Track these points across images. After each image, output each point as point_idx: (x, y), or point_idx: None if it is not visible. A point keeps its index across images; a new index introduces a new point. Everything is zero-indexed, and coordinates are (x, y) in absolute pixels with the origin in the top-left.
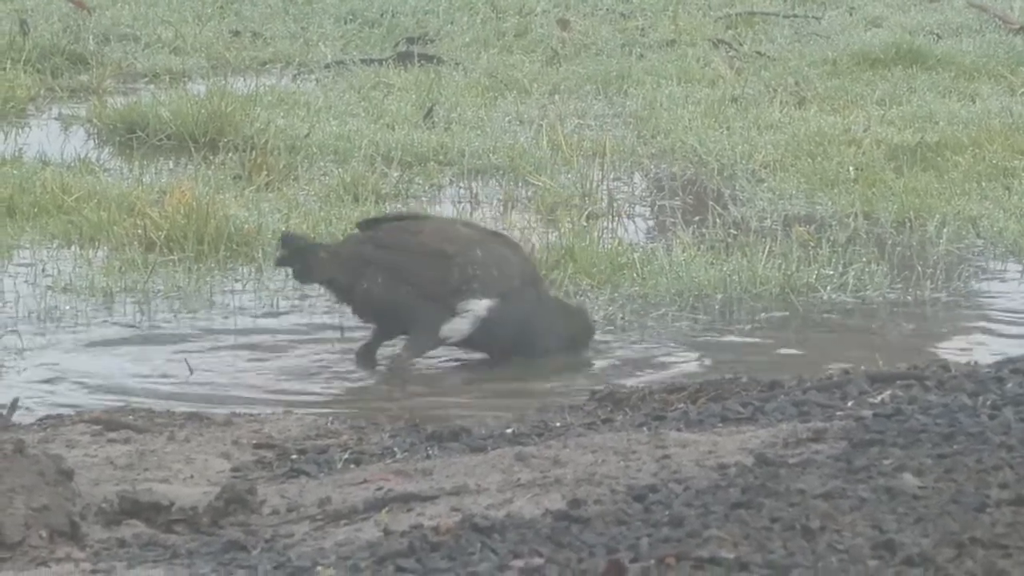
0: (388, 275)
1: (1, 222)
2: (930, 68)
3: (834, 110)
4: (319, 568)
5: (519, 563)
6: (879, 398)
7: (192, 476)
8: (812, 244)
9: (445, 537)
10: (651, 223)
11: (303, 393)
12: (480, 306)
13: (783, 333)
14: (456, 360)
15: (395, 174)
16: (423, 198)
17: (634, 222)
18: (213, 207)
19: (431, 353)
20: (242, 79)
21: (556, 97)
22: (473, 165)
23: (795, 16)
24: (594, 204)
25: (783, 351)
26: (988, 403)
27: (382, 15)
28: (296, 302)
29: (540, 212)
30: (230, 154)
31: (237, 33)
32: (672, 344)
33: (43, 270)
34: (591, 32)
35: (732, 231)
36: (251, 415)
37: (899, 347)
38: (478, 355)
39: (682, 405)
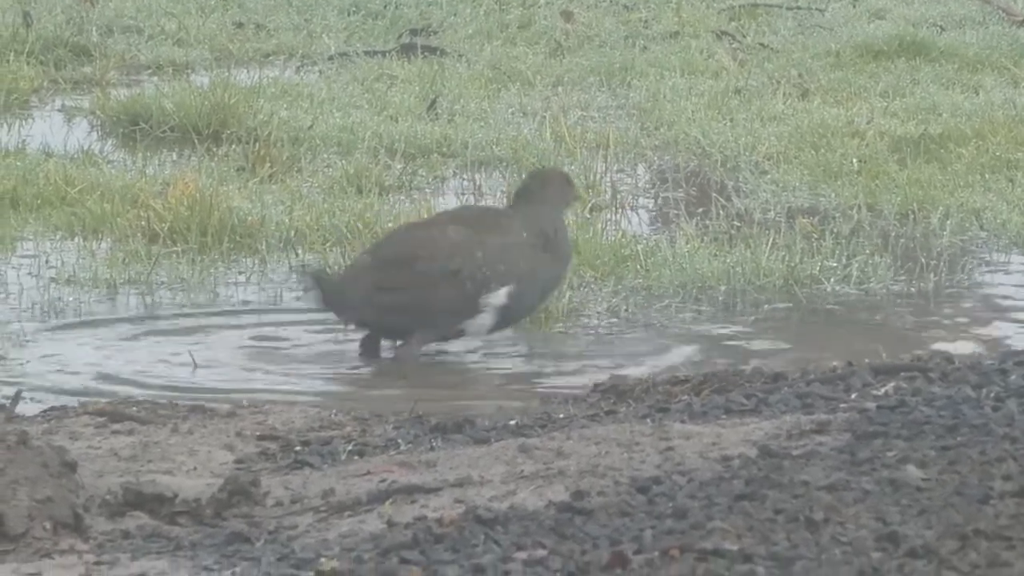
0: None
1: (4, 214)
2: (933, 60)
3: (837, 102)
4: (323, 560)
5: (522, 555)
6: (883, 390)
7: (196, 468)
8: (816, 236)
9: (449, 529)
10: (655, 215)
11: (307, 385)
12: (498, 298)
13: (787, 325)
14: (459, 352)
15: (399, 166)
16: (427, 190)
17: (638, 214)
18: (217, 199)
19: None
20: (245, 71)
21: (559, 89)
22: (476, 157)
23: (798, 8)
24: (598, 196)
25: (787, 343)
26: (992, 395)
27: (385, 7)
28: (299, 293)
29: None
30: (233, 146)
31: (240, 25)
32: (676, 336)
33: (46, 262)
34: (594, 24)
35: (736, 223)
36: (255, 407)
37: (903, 339)
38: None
39: (686, 397)
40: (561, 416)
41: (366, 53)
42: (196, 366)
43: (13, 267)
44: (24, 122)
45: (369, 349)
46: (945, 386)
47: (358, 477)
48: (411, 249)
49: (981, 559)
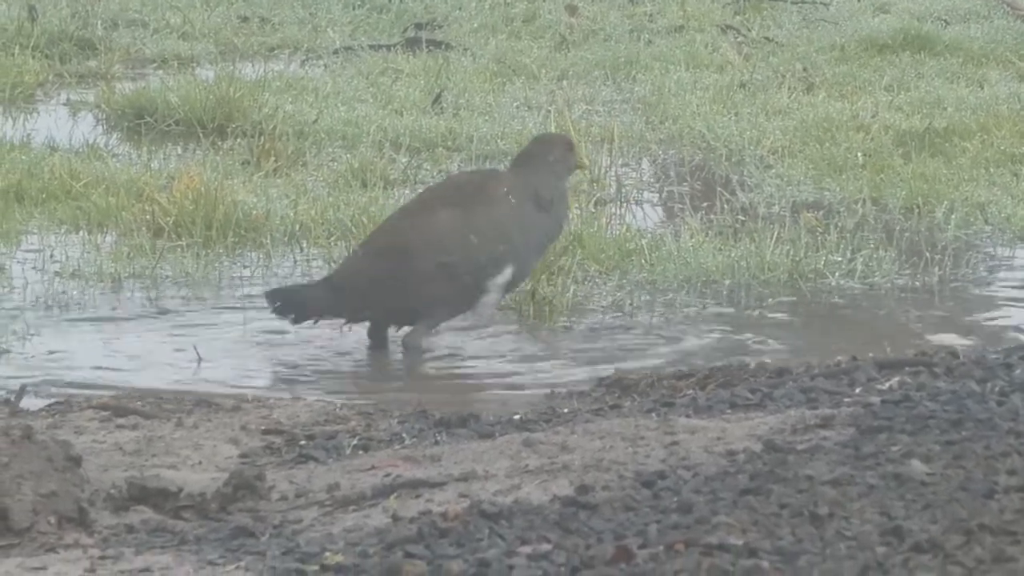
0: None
1: (9, 208)
2: (938, 54)
3: (842, 96)
4: (327, 554)
5: (527, 549)
6: (887, 385)
7: (200, 462)
8: (820, 230)
9: (453, 523)
10: (659, 209)
11: (312, 379)
12: (503, 277)
13: (791, 319)
14: (464, 346)
15: (403, 160)
16: (432, 184)
17: (642, 208)
18: (221, 193)
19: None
20: (250, 65)
21: (564, 83)
22: (481, 151)
23: (803, 2)
24: (602, 190)
25: (791, 337)
26: (996, 389)
27: (390, 1)
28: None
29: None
30: (238, 140)
31: (245, 19)
32: (680, 330)
33: (51, 256)
34: (599, 18)
35: (740, 217)
36: (259, 401)
37: (907, 334)
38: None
39: (690, 391)
40: (566, 410)
41: (371, 47)
42: (201, 360)
43: (18, 261)
44: (29, 116)
45: (377, 338)
46: (950, 381)
47: (363, 471)
48: (403, 239)
49: (986, 554)
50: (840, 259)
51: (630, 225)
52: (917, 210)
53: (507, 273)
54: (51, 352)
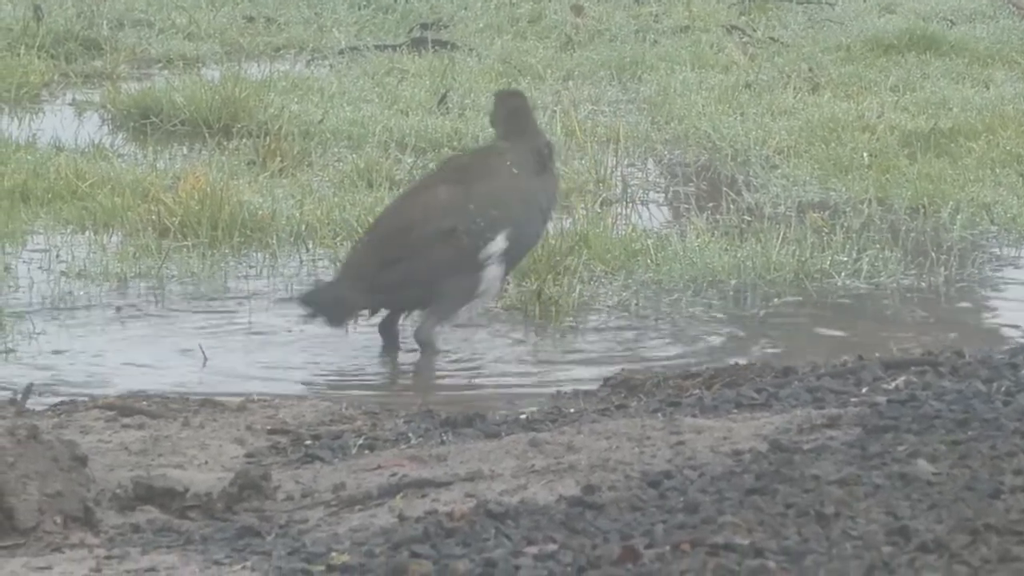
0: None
1: (15, 208)
2: (944, 54)
3: (848, 96)
4: (333, 554)
5: (533, 549)
6: (893, 384)
7: (206, 462)
8: (826, 230)
9: (459, 523)
10: (665, 209)
11: (317, 379)
12: (498, 243)
13: (797, 319)
14: (470, 346)
15: (409, 160)
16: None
17: (648, 208)
18: (227, 193)
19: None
20: (256, 65)
21: (570, 83)
22: None
23: (809, 2)
24: (608, 190)
25: (797, 337)
26: (1002, 389)
27: (396, 0)
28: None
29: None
30: (244, 140)
31: (251, 19)
32: (686, 330)
33: (57, 256)
34: (605, 18)
35: (746, 217)
36: (265, 401)
37: (913, 333)
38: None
39: (696, 391)
40: (572, 410)
41: (377, 47)
42: (206, 360)
43: (24, 261)
44: (35, 116)
45: (388, 334)
46: (956, 380)
47: (369, 471)
48: (406, 217)
49: (992, 554)
50: (846, 259)
51: (636, 225)
52: (923, 210)
53: (501, 240)
54: (57, 352)
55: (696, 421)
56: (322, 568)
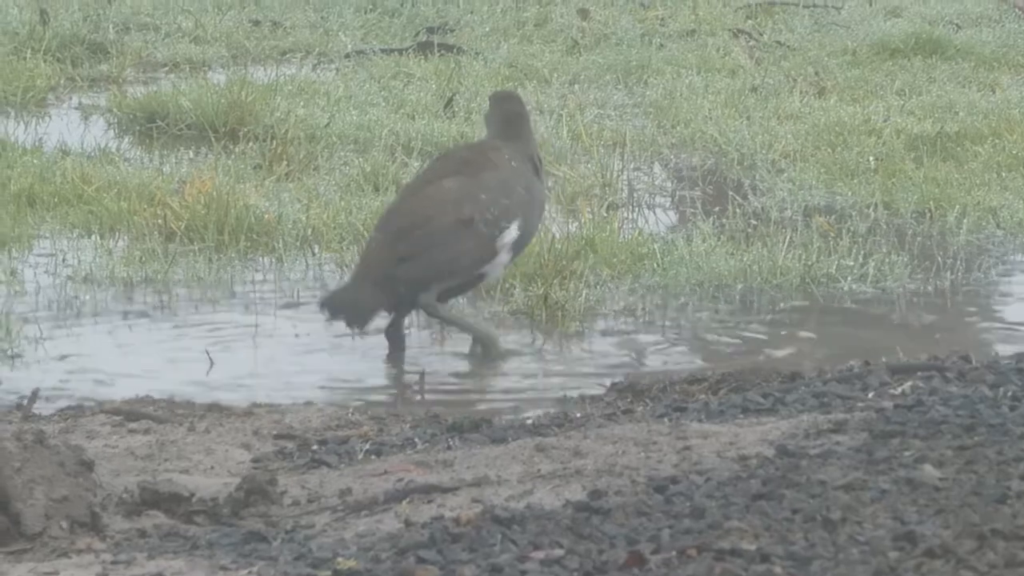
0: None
1: (22, 212)
2: (950, 58)
3: (854, 100)
4: (340, 559)
5: (539, 554)
6: (900, 389)
7: (212, 467)
8: (832, 234)
9: (466, 528)
10: (671, 213)
11: (324, 384)
12: (511, 234)
13: (803, 324)
14: (476, 351)
15: (416, 164)
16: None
17: (654, 212)
18: (233, 197)
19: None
20: (262, 68)
21: (576, 87)
22: None
23: (815, 6)
24: (614, 194)
25: (804, 342)
26: (1009, 394)
27: (402, 4)
28: (316, 292)
29: (560, 202)
30: (250, 144)
31: (257, 22)
32: (693, 335)
33: (63, 260)
34: (611, 22)
35: (752, 221)
36: (271, 406)
37: (920, 338)
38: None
39: (703, 396)
40: (578, 415)
41: (383, 51)
42: (213, 365)
43: (30, 265)
44: (41, 120)
45: (395, 334)
46: (962, 385)
47: (375, 476)
48: (421, 211)
49: (999, 559)
50: (852, 263)
51: (642, 229)
52: (929, 214)
53: (514, 229)
54: (63, 356)
55: (702, 426)
56: (328, 573)
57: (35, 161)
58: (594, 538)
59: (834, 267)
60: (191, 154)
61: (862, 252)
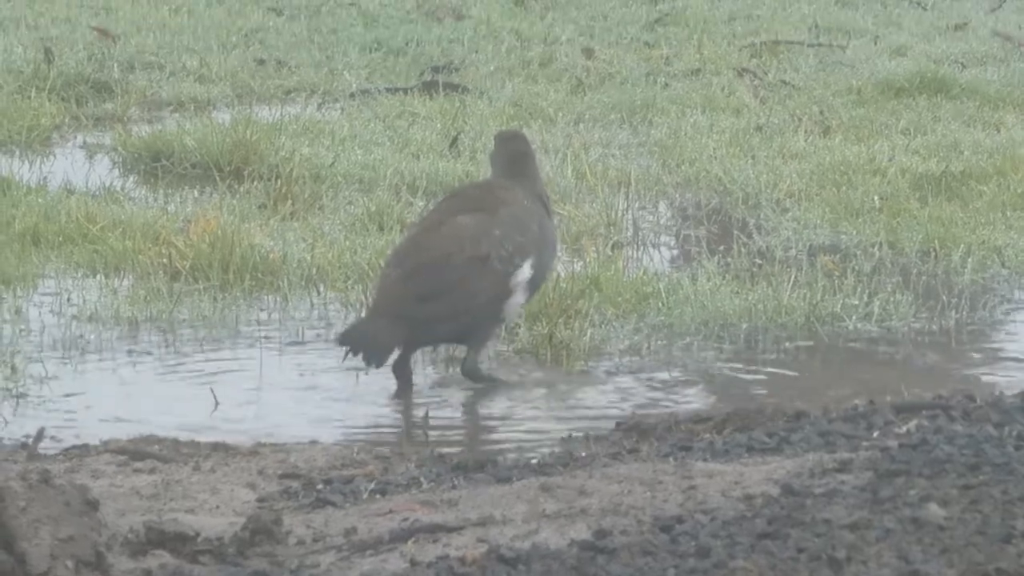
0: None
1: (26, 251)
2: (955, 97)
3: (859, 139)
4: None
5: None
6: (904, 428)
7: (218, 506)
8: (837, 274)
9: (471, 568)
10: (676, 252)
11: (329, 423)
12: (525, 271)
13: (808, 363)
14: (481, 390)
15: (420, 203)
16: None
17: (659, 251)
18: (238, 236)
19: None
20: (267, 108)
21: (581, 126)
22: None
23: (820, 45)
24: (619, 233)
25: (809, 381)
26: (1014, 434)
27: (407, 44)
28: (321, 331)
29: (565, 241)
30: (255, 183)
31: (262, 62)
32: (697, 374)
33: (68, 299)
34: (616, 61)
35: (757, 260)
36: (276, 445)
37: (924, 377)
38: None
39: (708, 435)
40: (583, 454)
41: (388, 90)
42: (218, 404)
43: (35, 304)
44: (45, 159)
45: (402, 371)
46: (967, 424)
47: (380, 516)
48: (438, 247)
49: None
50: (857, 303)
51: (647, 268)
52: (934, 254)
53: (527, 268)
54: (68, 396)
55: (708, 465)
56: None
57: (40, 200)
58: None
59: (839, 306)
60: (196, 193)
61: (867, 291)
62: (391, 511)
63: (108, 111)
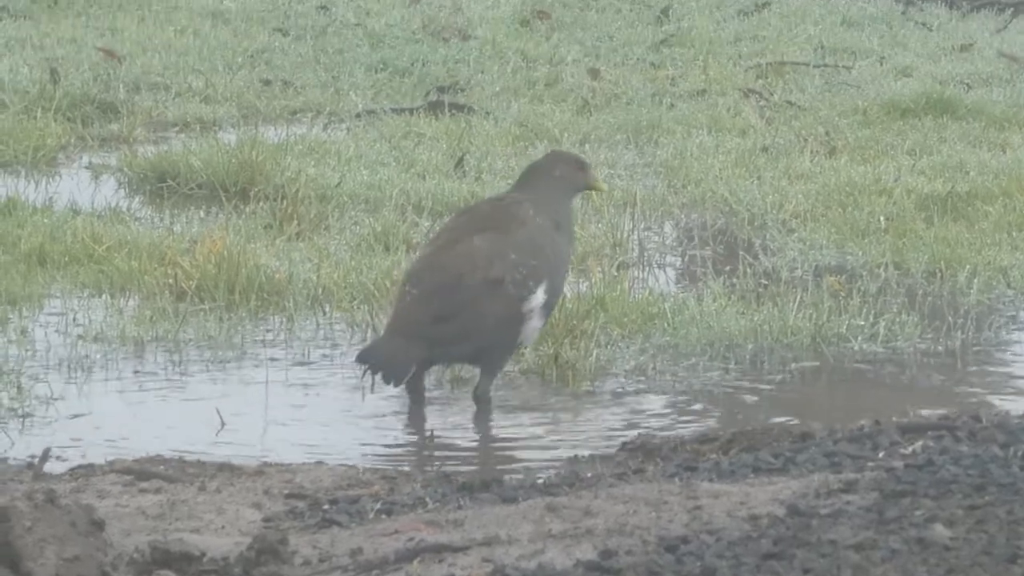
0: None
1: (32, 271)
2: (960, 118)
3: (864, 160)
4: None
5: None
6: (910, 449)
7: (223, 526)
8: (843, 294)
9: None
10: (682, 273)
11: (334, 443)
12: (539, 296)
13: (814, 383)
14: (487, 410)
15: (426, 223)
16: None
17: (665, 272)
18: (244, 256)
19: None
20: (273, 128)
21: (587, 146)
22: None
23: (825, 66)
24: (625, 254)
25: (814, 402)
26: (1019, 454)
27: (413, 64)
28: (327, 351)
29: (571, 261)
30: (261, 203)
31: (268, 82)
32: (703, 394)
33: (74, 319)
34: (621, 81)
35: (763, 281)
36: (282, 465)
37: (930, 398)
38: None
39: (713, 456)
40: (589, 475)
41: (393, 110)
42: (223, 424)
43: (41, 324)
44: (51, 179)
45: (415, 389)
46: (973, 445)
47: (386, 536)
48: (451, 270)
49: None
50: (863, 323)
51: (653, 289)
52: (939, 274)
53: (541, 293)
54: (74, 416)
55: (713, 486)
56: None
57: (46, 220)
58: None
59: (845, 327)
60: (202, 214)
61: (873, 312)
62: (397, 531)
63: (114, 131)
